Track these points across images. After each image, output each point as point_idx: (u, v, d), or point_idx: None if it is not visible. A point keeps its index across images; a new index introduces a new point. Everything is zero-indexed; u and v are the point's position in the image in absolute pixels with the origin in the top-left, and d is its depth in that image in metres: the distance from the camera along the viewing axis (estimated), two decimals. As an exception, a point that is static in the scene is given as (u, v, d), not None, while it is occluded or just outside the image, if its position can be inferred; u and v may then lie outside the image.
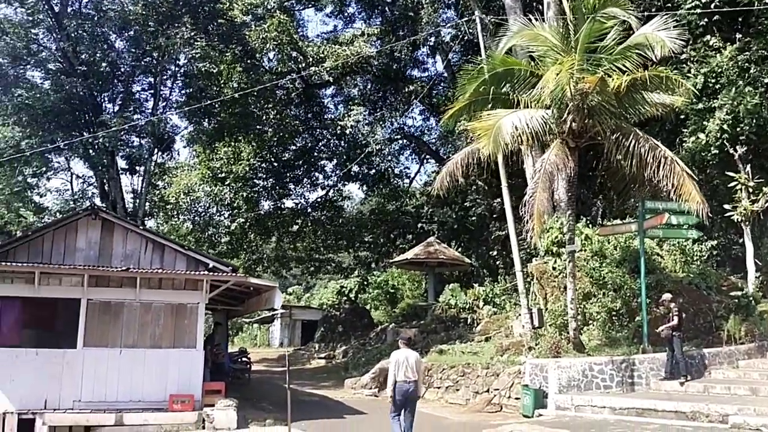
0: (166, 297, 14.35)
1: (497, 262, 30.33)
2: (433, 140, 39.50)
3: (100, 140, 20.77)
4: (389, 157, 37.53)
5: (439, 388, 17.95)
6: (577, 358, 15.06)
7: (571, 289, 15.68)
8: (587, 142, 15.85)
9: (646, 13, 16.95)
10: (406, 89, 33.06)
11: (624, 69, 14.82)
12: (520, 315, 19.76)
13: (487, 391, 16.32)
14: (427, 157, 40.08)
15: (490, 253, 31.03)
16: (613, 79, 14.55)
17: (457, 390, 17.28)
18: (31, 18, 22.11)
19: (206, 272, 14.27)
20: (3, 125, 20.37)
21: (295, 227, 39.07)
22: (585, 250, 18.54)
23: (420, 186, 41.27)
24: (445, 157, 36.97)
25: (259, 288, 15.61)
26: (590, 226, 20.10)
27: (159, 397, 13.86)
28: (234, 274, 14.33)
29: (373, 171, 37.58)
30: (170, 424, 13.43)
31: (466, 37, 26.67)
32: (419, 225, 36.84)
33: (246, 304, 18.38)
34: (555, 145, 15.29)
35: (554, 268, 19.13)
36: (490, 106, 16.13)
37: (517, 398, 15.20)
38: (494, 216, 30.03)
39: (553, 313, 17.84)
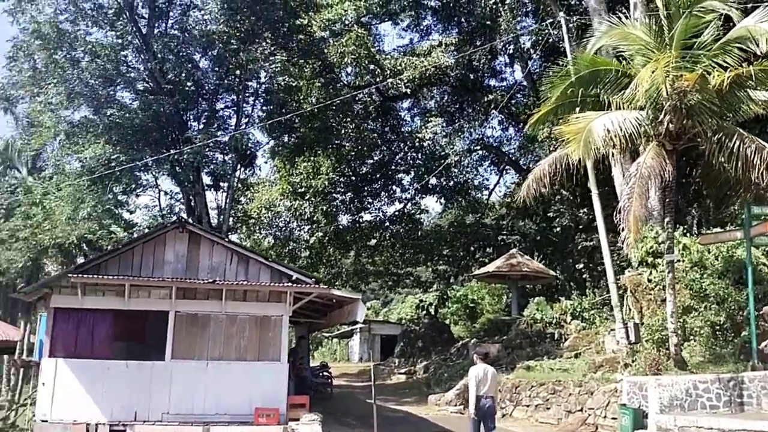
0: (251, 309, 14.34)
1: (584, 275, 29.11)
2: (513, 150, 38.57)
3: (186, 157, 21.28)
4: (468, 169, 36.91)
5: (528, 406, 17.17)
6: (679, 375, 13.99)
7: (671, 302, 14.65)
8: (685, 144, 14.85)
9: (748, 5, 15.76)
10: (485, 99, 32.44)
11: (725, 65, 13.79)
12: (612, 330, 18.74)
13: (581, 410, 15.45)
14: (507, 167, 39.16)
15: (576, 265, 29.82)
16: (713, 77, 13.56)
17: (548, 408, 16.46)
18: (120, 40, 23.06)
19: (290, 284, 14.15)
20: (95, 144, 21.20)
21: (373, 241, 38.93)
22: (683, 261, 17.38)
23: (499, 198, 40.40)
24: (525, 167, 36.13)
25: (341, 300, 15.40)
26: (686, 235, 18.89)
27: (244, 410, 13.79)
28: (317, 285, 14.15)
29: (452, 183, 37.03)
30: (256, 437, 13.33)
31: (547, 43, 25.87)
32: (500, 237, 35.92)
33: (328, 317, 18.24)
34: (651, 148, 14.41)
35: (650, 280, 18.07)
36: (578, 109, 15.42)
37: (613, 418, 14.32)
38: (580, 226, 28.89)
39: (650, 328, 16.73)
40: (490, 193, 40.89)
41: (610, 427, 14.25)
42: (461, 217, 38.81)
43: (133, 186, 24.80)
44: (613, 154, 17.61)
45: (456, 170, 35.79)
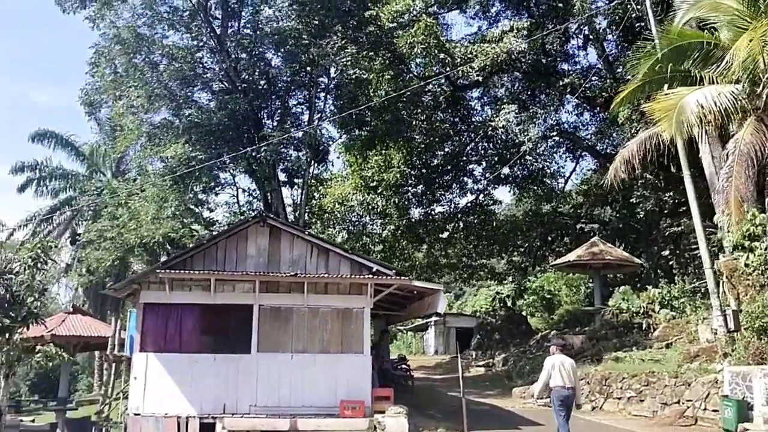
0: (333, 302, 14.30)
1: (670, 262, 27.75)
2: (589, 135, 37.24)
3: (263, 154, 21.53)
4: (542, 157, 35.88)
5: (619, 398, 16.45)
6: (786, 365, 13.04)
7: (775, 287, 13.65)
8: (787, 118, 13.79)
9: None
10: (559, 84, 31.36)
11: (828, 32, 12.71)
12: (705, 318, 17.72)
13: (678, 402, 14.67)
14: (583, 153, 37.85)
15: (662, 252, 28.46)
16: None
17: (642, 401, 15.71)
18: (195, 42, 23.55)
19: (370, 276, 14.01)
20: (175, 144, 21.73)
21: (446, 233, 38.44)
22: (784, 244, 16.18)
23: (576, 185, 39.13)
24: (602, 152, 34.85)
25: (422, 292, 15.15)
26: (786, 216, 17.61)
27: (329, 402, 13.77)
28: (398, 277, 13.95)
29: (525, 172, 36.16)
30: (342, 430, 13.26)
31: (624, 23, 24.70)
32: (578, 226, 34.73)
33: (407, 310, 18.04)
34: (749, 123, 13.47)
35: (747, 265, 16.93)
36: (666, 86, 14.60)
37: (714, 410, 13.53)
38: (665, 211, 27.55)
39: (750, 315, 15.65)
40: (566, 181, 39.61)
41: (711, 419, 13.46)
42: (536, 206, 37.81)
43: (212, 185, 25.31)
44: (701, 134, 16.62)
45: (530, 158, 34.88)
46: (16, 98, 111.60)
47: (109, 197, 28.90)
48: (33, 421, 20.89)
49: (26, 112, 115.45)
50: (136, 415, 13.52)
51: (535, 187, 36.45)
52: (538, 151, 33.82)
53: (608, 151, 33.56)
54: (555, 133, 35.89)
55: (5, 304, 13.79)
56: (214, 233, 19.07)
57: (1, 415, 13.95)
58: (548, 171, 37.40)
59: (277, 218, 16.53)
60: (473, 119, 36.14)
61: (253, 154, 21.85)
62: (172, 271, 13.49)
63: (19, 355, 14.31)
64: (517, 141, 32.90)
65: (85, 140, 40.81)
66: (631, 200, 30.02)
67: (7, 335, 14.05)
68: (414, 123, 30.27)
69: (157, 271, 13.39)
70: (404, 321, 32.98)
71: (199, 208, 27.07)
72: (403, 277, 14.24)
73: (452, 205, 38.14)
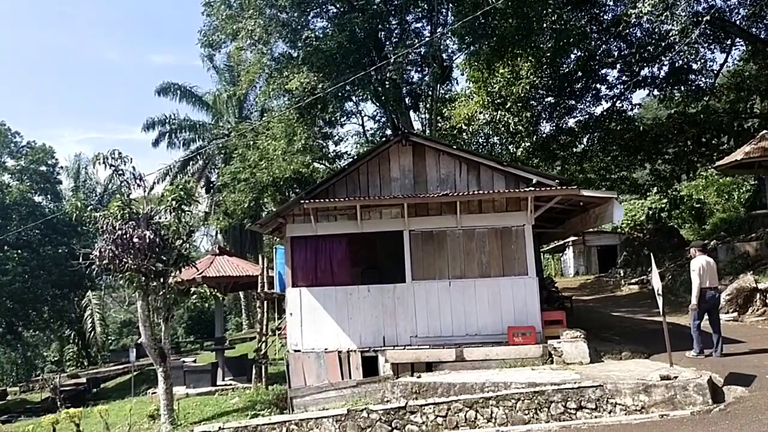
0: (488, 221, 12.96)
1: None
2: (742, 19, 32.55)
3: (387, 74, 20.21)
4: (688, 50, 31.82)
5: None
6: None
7: None
8: None
9: None
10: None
11: None
12: None
13: None
14: (736, 41, 33.29)
15: None
16: None
17: None
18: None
19: (530, 188, 12.46)
20: (299, 74, 20.83)
21: (581, 147, 35.74)
22: None
23: (727, 78, 34.69)
24: (757, 35, 30.42)
25: (588, 203, 13.40)
26: None
27: (495, 329, 12.66)
28: (563, 187, 12.29)
29: (666, 71, 32.44)
30: (513, 358, 12.14)
31: None
32: (735, 124, 30.87)
33: (566, 225, 16.34)
34: None
35: None
36: None
37: None
38: None
39: None
40: (716, 75, 35.33)
41: None
42: (683, 107, 34.02)
43: (338, 114, 24.45)
44: None
45: (673, 53, 31.07)
46: (138, 63, 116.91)
47: (237, 139, 29.02)
48: (195, 361, 21.58)
49: (149, 76, 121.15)
50: (295, 351, 13.10)
51: (681, 87, 32.68)
52: (686, 41, 29.92)
53: (764, 35, 29.28)
54: (702, 20, 31.60)
55: (156, 249, 13.65)
56: (355, 157, 17.94)
57: (166, 357, 14.07)
58: (693, 66, 33.43)
59: (421, 134, 15.22)
60: (604, 17, 32.73)
61: (378, 75, 20.56)
62: (316, 201, 12.63)
63: (175, 298, 14.30)
64: (656, 35, 29.29)
65: (206, 90, 41.51)
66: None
67: (161, 279, 14.00)
68: (544, 25, 27.56)
69: (301, 201, 12.59)
70: (560, 239, 31.21)
71: (326, 141, 26.40)
72: (569, 187, 12.56)
73: (586, 116, 35.31)
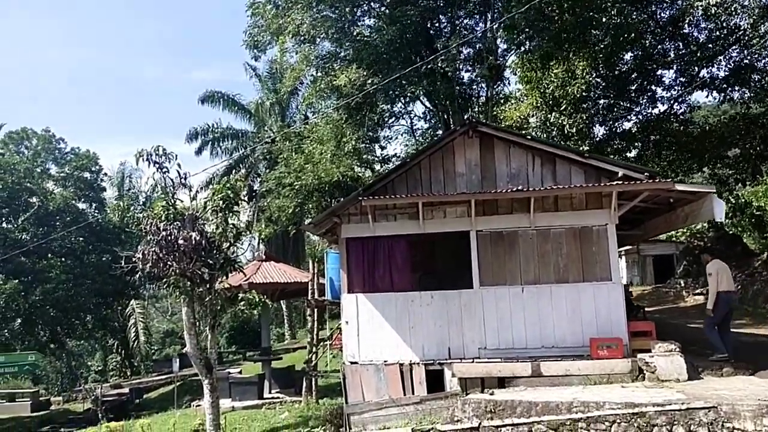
0: (565, 220, 11.68)
1: None
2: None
3: (440, 66, 19.09)
4: (757, 45, 29.96)
5: None
6: None
7: None
8: None
9: None
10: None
11: None
12: None
13: None
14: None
15: None
16: None
17: None
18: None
19: (616, 182, 11.11)
20: (347, 70, 19.87)
21: (634, 151, 34.01)
22: None
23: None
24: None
25: (677, 200, 11.94)
26: None
27: (575, 341, 11.34)
28: (654, 180, 10.90)
29: (728, 70, 30.56)
30: (597, 374, 10.78)
31: None
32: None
33: (645, 227, 14.84)
34: None
35: None
36: None
37: None
38: None
39: None
40: (785, 72, 33.22)
41: None
42: (746, 108, 32.05)
43: (387, 115, 23.42)
44: None
45: (736, 50, 29.29)
46: (179, 79, 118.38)
47: (281, 143, 28.24)
48: (240, 372, 20.64)
49: (190, 92, 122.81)
50: (352, 363, 11.96)
51: (743, 87, 30.77)
52: (756, 35, 28.10)
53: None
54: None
55: (202, 252, 12.70)
56: (416, 151, 16.66)
57: (212, 368, 13.09)
58: (757, 65, 31.47)
59: (489, 123, 13.98)
60: (661, 15, 31.10)
61: (429, 70, 19.47)
62: (375, 198, 11.52)
63: (222, 305, 13.32)
64: (720, 31, 27.58)
65: (249, 100, 41.24)
66: None
67: (207, 284, 13.04)
68: (603, 20, 26.12)
69: (359, 198, 11.50)
70: (636, 242, 29.48)
71: (373, 145, 25.37)
72: (662, 180, 11.15)
73: (641, 118, 33.62)
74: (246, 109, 40.84)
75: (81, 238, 35.69)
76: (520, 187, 11.58)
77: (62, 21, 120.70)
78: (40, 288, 31.66)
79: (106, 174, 40.96)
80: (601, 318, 11.31)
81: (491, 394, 10.47)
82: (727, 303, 11.18)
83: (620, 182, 11.13)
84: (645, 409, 8.62)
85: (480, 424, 9.52)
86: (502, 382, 11.14)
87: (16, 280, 28.92)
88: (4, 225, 35.60)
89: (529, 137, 12.54)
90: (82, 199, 37.99)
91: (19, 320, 29.81)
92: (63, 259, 33.66)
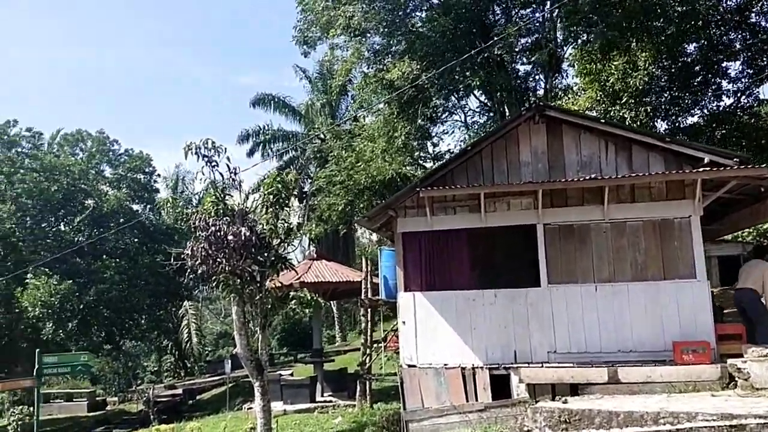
0: (643, 212, 10.65)
1: None
2: None
3: (497, 52, 18.21)
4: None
5: None
6: None
7: None
8: None
9: None
10: None
11: None
12: None
13: None
14: None
15: None
16: None
17: None
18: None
19: (702, 169, 10.03)
20: (400, 62, 19.16)
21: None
22: None
23: None
24: None
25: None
26: None
27: (655, 345, 10.31)
28: (746, 167, 9.80)
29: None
30: (682, 381, 9.72)
31: None
32: None
33: (725, 221, 13.60)
34: None
35: None
36: None
37: None
38: None
39: None
40: None
41: None
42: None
43: (440, 111, 22.62)
44: None
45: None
46: (226, 84, 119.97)
47: (331, 141, 27.77)
48: (291, 374, 20.15)
49: (238, 96, 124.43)
50: (410, 366, 11.19)
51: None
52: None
53: None
54: None
55: (252, 248, 12.17)
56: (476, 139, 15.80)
57: (263, 370, 12.54)
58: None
59: (557, 107, 13.02)
60: (727, 3, 29.38)
61: (486, 56, 18.60)
62: (433, 189, 10.75)
63: (273, 304, 12.76)
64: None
65: (300, 101, 41.15)
66: None
67: (258, 282, 12.50)
68: (667, 8, 24.75)
69: (417, 189, 10.74)
70: (714, 238, 27.81)
71: (425, 141, 24.60)
72: (756, 166, 10.02)
73: (706, 112, 31.86)
74: (296, 111, 40.74)
75: (135, 240, 36.03)
76: (593, 176, 10.63)
77: (109, 24, 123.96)
78: (94, 289, 31.98)
79: (159, 175, 41.39)
80: (684, 319, 10.24)
81: (564, 402, 9.54)
82: (736, 302, 11.01)
83: (706, 168, 10.05)
84: (745, 421, 7.56)
85: (553, 435, 8.63)
86: (575, 389, 10.19)
87: (71, 281, 29.20)
88: (61, 227, 36.22)
89: (603, 121, 11.50)
90: (136, 201, 38.40)
91: (74, 321, 30.10)
92: (117, 260, 33.95)
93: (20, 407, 21.79)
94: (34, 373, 15.13)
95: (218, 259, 11.82)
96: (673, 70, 29.97)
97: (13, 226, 31.67)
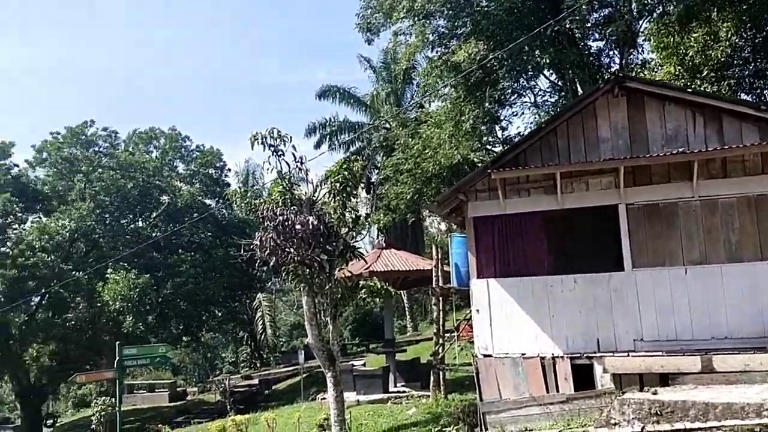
0: (737, 187, 9.87)
1: None
2: None
3: (567, 29, 17.37)
4: None
5: None
6: None
7: None
8: None
9: None
10: None
11: None
12: None
13: None
14: None
15: None
16: None
17: None
18: None
19: (803, 139, 9.16)
20: (466, 44, 18.59)
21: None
22: None
23: None
24: None
25: None
26: None
27: (753, 331, 9.54)
28: None
29: None
30: (787, 371, 8.90)
31: None
32: None
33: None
34: None
35: None
36: None
37: None
38: None
39: None
40: None
41: None
42: None
43: (508, 93, 21.87)
44: None
45: None
46: (292, 80, 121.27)
47: (397, 129, 27.42)
48: (364, 365, 20.04)
49: (305, 92, 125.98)
50: (485, 356, 10.76)
51: None
52: None
53: None
54: None
55: (320, 238, 11.99)
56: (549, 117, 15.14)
57: (335, 360, 12.38)
58: None
59: (638, 77, 12.26)
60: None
61: (556, 30, 17.78)
62: (505, 169, 10.25)
63: (343, 293, 12.58)
64: None
65: (365, 92, 40.99)
66: None
67: (327, 272, 12.33)
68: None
69: (488, 170, 10.27)
70: None
71: (493, 126, 23.84)
72: None
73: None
74: (361, 101, 40.56)
75: (209, 233, 36.76)
76: (680, 150, 9.87)
77: (172, 29, 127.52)
78: (170, 282, 32.86)
79: (230, 170, 42.08)
80: (786, 303, 9.40)
81: (654, 393, 8.88)
82: None
83: (810, 138, 9.15)
84: None
85: (643, 428, 8.04)
86: (665, 379, 9.49)
87: (148, 275, 30.06)
88: (138, 223, 37.38)
89: (690, 90, 10.69)
90: (208, 195, 39.16)
91: (153, 314, 31.02)
92: (192, 253, 34.74)
93: (104, 398, 22.59)
94: (115, 365, 15.51)
95: (287, 249, 11.70)
96: (757, 41, 28.02)
97: (93, 223, 32.82)
